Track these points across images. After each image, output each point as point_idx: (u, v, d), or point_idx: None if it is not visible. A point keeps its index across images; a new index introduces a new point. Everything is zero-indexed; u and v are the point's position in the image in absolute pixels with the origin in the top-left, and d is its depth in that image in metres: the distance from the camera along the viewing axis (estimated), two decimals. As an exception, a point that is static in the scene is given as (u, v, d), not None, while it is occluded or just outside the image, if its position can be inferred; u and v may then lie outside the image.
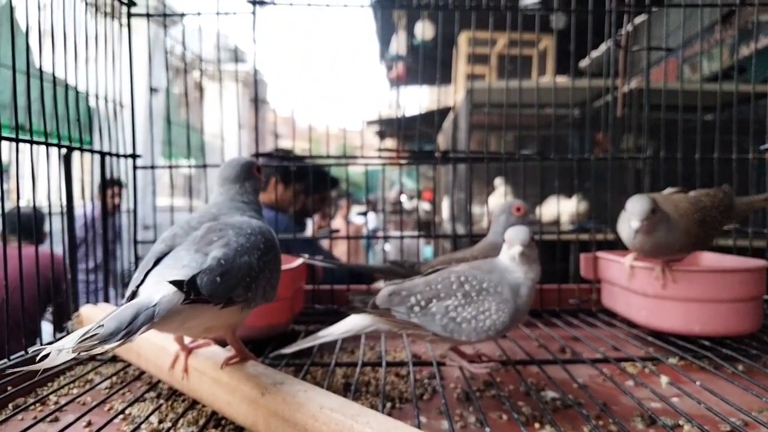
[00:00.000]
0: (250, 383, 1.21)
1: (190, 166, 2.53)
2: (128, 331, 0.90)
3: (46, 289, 1.99)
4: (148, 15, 2.48)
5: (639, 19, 3.12)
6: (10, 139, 1.63)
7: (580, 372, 1.72)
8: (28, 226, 1.86)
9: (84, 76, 2.10)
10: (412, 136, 3.46)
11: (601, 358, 1.84)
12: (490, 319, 1.44)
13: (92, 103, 2.20)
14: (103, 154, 2.19)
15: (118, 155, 2.29)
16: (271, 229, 1.36)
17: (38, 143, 1.76)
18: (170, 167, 2.54)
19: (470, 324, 1.44)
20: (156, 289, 1.05)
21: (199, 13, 2.47)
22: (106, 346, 0.87)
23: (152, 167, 2.51)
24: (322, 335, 1.54)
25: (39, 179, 1.79)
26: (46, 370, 1.68)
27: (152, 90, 2.65)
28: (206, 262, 1.12)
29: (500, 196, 3.76)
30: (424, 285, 1.50)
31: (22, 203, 1.81)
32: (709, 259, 2.25)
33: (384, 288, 1.54)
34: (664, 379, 1.63)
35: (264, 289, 1.26)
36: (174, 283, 1.03)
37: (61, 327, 2.02)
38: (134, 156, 2.41)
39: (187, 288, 1.03)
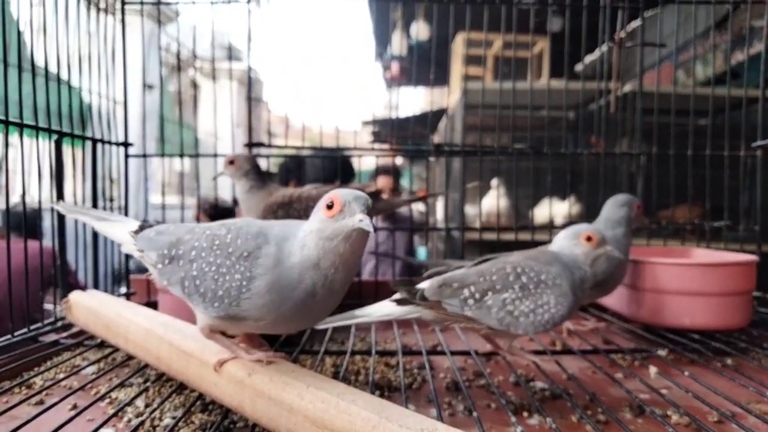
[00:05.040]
0: (238, 364, 1.21)
1: (182, 155, 2.52)
2: None
3: (37, 278, 1.99)
4: (142, 2, 2.47)
5: (634, 24, 3.13)
6: (1, 122, 1.63)
7: (570, 364, 1.72)
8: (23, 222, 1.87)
9: (78, 71, 2.10)
10: (407, 137, 3.46)
11: (591, 349, 1.84)
12: (548, 312, 1.42)
13: (86, 97, 2.20)
14: (94, 141, 2.18)
15: (109, 142, 2.28)
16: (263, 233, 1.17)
17: (29, 126, 1.75)
18: (162, 155, 2.53)
19: (528, 318, 1.42)
20: None
21: (193, 2, 2.47)
22: None
23: (144, 156, 2.50)
24: (360, 315, 1.51)
25: (31, 172, 1.79)
26: (33, 351, 1.69)
27: (147, 86, 2.65)
28: None
29: (494, 198, 3.76)
30: (477, 276, 1.47)
31: (15, 197, 1.81)
32: (700, 253, 2.25)
33: (432, 279, 1.51)
34: (653, 370, 1.63)
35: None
36: None
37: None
38: (126, 144, 2.40)
39: None
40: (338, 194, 1.05)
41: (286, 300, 1.09)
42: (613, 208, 2.02)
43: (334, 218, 1.04)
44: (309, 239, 1.07)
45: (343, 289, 1.13)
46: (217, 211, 4.13)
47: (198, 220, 4.23)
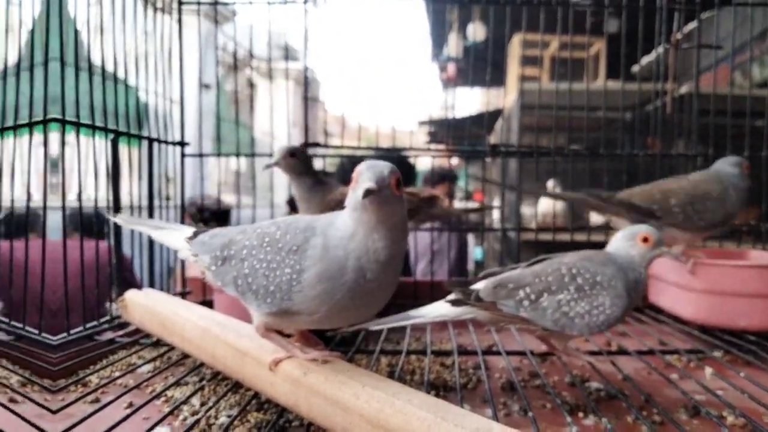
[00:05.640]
0: (294, 363, 1.20)
1: (238, 155, 2.54)
2: None
3: (99, 276, 2.01)
4: (198, 2, 2.49)
5: (690, 26, 3.10)
6: (56, 121, 1.66)
7: (625, 364, 1.69)
8: (87, 222, 1.90)
9: (135, 71, 2.13)
10: (463, 137, 3.46)
11: (646, 350, 1.82)
12: (603, 314, 1.41)
13: (143, 97, 2.23)
14: (151, 140, 2.21)
15: (166, 142, 2.30)
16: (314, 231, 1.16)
17: (85, 126, 1.78)
18: (218, 155, 2.56)
19: (583, 319, 1.40)
20: None
21: (250, 2, 2.49)
22: None
23: (200, 155, 2.52)
24: (414, 315, 1.49)
25: (87, 171, 1.83)
26: (88, 350, 1.71)
27: (203, 86, 2.67)
28: None
29: (550, 199, 3.73)
30: (533, 277, 1.46)
31: (72, 196, 1.83)
32: (756, 255, 2.22)
33: (487, 280, 1.50)
34: (708, 371, 1.62)
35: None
36: None
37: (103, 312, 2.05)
38: (182, 143, 2.43)
39: None
40: (358, 166, 1.07)
41: (338, 288, 1.09)
42: (726, 165, 2.06)
43: (354, 189, 1.05)
44: (346, 214, 1.09)
45: (392, 262, 1.11)
46: (206, 213, 3.93)
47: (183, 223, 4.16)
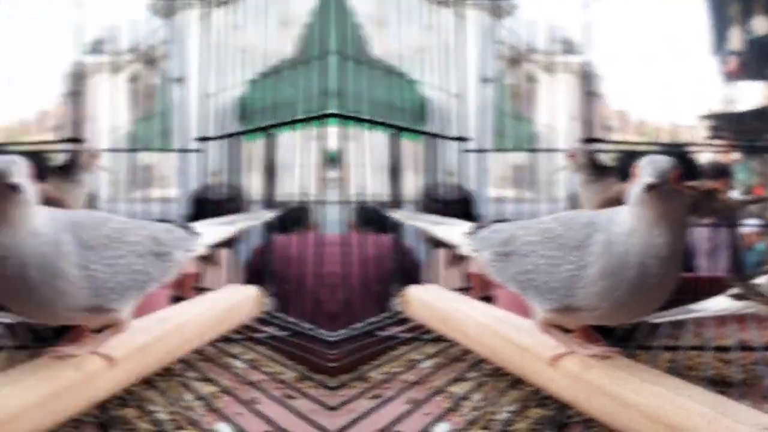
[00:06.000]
0: (574, 359, 1.17)
1: (519, 150, 2.53)
2: None
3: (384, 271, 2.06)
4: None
5: None
6: (337, 116, 1.72)
7: None
8: (369, 217, 1.95)
9: (416, 65, 2.16)
10: (745, 132, 3.28)
11: None
12: None
13: (424, 91, 2.26)
14: (432, 136, 2.24)
15: (447, 137, 2.33)
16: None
17: (365, 120, 1.83)
18: (499, 150, 2.55)
19: None
20: None
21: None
22: None
23: (480, 150, 2.53)
24: (695, 309, 1.46)
25: (367, 165, 1.88)
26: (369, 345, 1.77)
27: (484, 80, 2.68)
28: None
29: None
30: None
31: (352, 190, 1.90)
32: None
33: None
34: None
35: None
36: None
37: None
38: (463, 139, 2.45)
39: None
40: (639, 161, 1.01)
41: (619, 284, 1.04)
42: None
43: (634, 184, 1.00)
44: (626, 210, 1.04)
45: (673, 258, 1.05)
46: (438, 204, 3.45)
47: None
